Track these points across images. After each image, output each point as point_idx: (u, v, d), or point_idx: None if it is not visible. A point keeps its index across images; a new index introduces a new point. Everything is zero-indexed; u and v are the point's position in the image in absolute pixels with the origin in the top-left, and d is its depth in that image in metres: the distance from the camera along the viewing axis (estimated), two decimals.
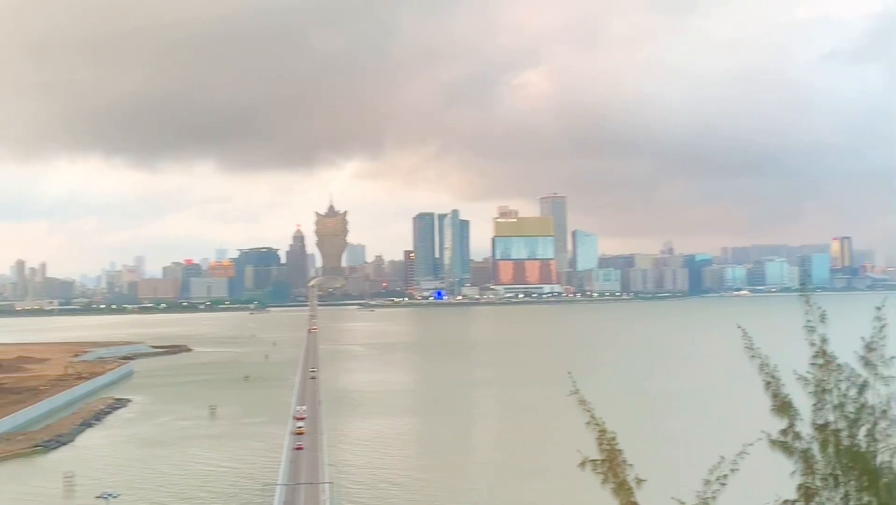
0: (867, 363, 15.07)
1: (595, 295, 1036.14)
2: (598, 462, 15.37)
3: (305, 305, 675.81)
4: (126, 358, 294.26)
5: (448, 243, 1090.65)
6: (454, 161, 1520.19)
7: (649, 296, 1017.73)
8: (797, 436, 15.06)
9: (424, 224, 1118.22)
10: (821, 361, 15.27)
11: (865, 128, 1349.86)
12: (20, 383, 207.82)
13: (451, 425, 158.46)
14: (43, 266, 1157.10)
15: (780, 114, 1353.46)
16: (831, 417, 14.93)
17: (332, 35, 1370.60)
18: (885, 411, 14.72)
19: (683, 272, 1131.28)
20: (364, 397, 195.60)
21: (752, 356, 16.11)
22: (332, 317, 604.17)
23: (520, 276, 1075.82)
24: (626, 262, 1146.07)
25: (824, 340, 15.46)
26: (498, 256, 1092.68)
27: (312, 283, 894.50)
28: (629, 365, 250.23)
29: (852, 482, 14.47)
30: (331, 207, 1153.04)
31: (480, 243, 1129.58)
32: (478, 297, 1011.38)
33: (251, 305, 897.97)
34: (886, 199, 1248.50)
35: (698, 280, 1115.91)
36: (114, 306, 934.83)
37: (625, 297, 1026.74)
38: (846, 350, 15.71)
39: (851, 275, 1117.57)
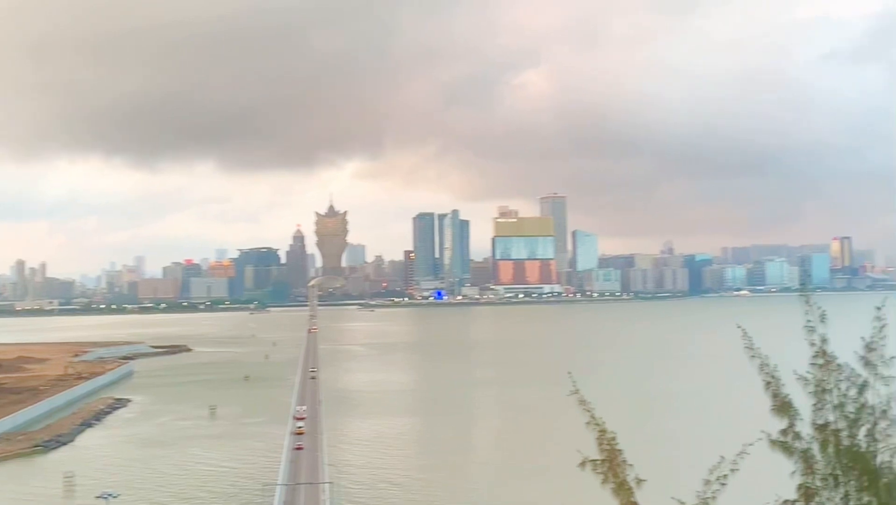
0: (867, 363, 15.07)
1: (595, 295, 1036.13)
2: (598, 462, 15.37)
3: (305, 305, 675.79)
4: (126, 358, 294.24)
5: (448, 243, 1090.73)
6: (454, 161, 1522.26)
7: (649, 296, 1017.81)
8: (797, 436, 15.07)
9: (424, 224, 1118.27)
10: (821, 361, 15.27)
11: (865, 128, 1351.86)
12: (20, 383, 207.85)
13: (451, 425, 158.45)
14: (43, 266, 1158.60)
15: (780, 114, 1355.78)
16: (831, 417, 14.93)
17: (331, 35, 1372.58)
18: (885, 411, 14.72)
19: (683, 272, 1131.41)
20: (364, 397, 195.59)
21: (752, 356, 16.11)
22: (332, 317, 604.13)
23: (520, 276, 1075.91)
24: (626, 262, 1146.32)
25: (824, 340, 15.47)
26: (498, 256, 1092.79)
27: (312, 283, 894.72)
28: (629, 365, 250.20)
29: (852, 482, 14.47)
30: (331, 207, 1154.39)
31: (480, 243, 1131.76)
32: (478, 297, 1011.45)
33: (251, 305, 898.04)
34: (886, 199, 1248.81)
35: (698, 280, 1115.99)
36: (114, 306, 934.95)
37: (625, 297, 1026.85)
38: (846, 350, 15.71)
39: (851, 275, 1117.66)
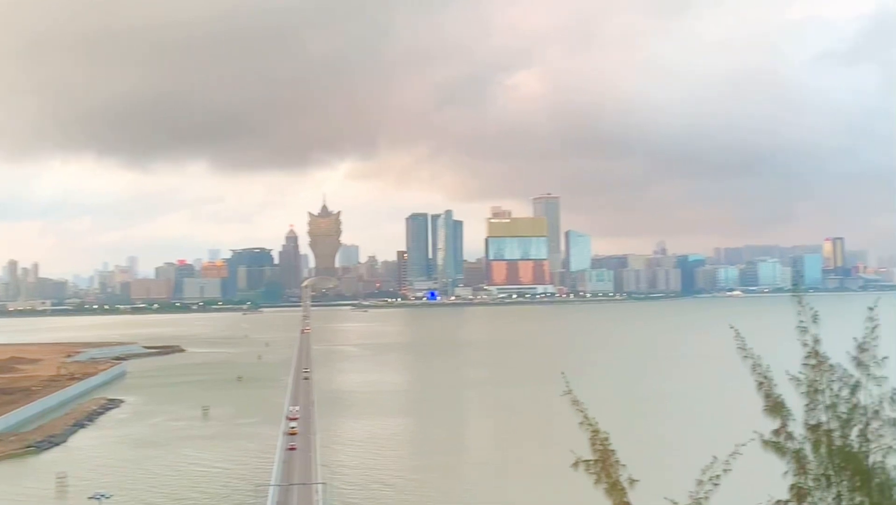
0: (859, 364, 15.12)
1: (588, 295, 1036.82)
2: (591, 462, 15.40)
3: (298, 306, 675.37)
4: (119, 358, 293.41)
5: (441, 244, 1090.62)
6: (447, 161, 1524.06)
7: (642, 296, 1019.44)
8: (790, 436, 15.11)
9: (418, 224, 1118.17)
10: (813, 362, 15.32)
11: (858, 128, 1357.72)
12: (12, 384, 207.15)
13: (445, 426, 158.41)
14: (35, 266, 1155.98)
15: (772, 114, 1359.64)
16: (824, 418, 14.98)
17: (325, 36, 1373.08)
18: (877, 412, 14.77)
19: (676, 273, 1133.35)
20: (357, 398, 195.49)
21: (745, 357, 16.15)
22: (325, 317, 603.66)
23: (513, 276, 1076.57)
24: (619, 262, 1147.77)
25: (817, 341, 15.52)
26: (491, 257, 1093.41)
27: (305, 283, 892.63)
28: (622, 365, 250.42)
29: (844, 482, 14.52)
30: (324, 208, 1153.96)
31: (474, 244, 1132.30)
32: (471, 297, 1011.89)
33: (244, 306, 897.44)
34: (879, 199, 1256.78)
35: (691, 280, 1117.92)
36: (106, 307, 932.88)
37: (618, 297, 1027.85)
38: (838, 351, 15.76)
39: (844, 275, 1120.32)
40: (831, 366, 15.22)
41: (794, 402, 15.44)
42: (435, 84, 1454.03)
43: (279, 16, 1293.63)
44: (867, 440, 14.69)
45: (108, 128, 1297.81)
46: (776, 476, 15.47)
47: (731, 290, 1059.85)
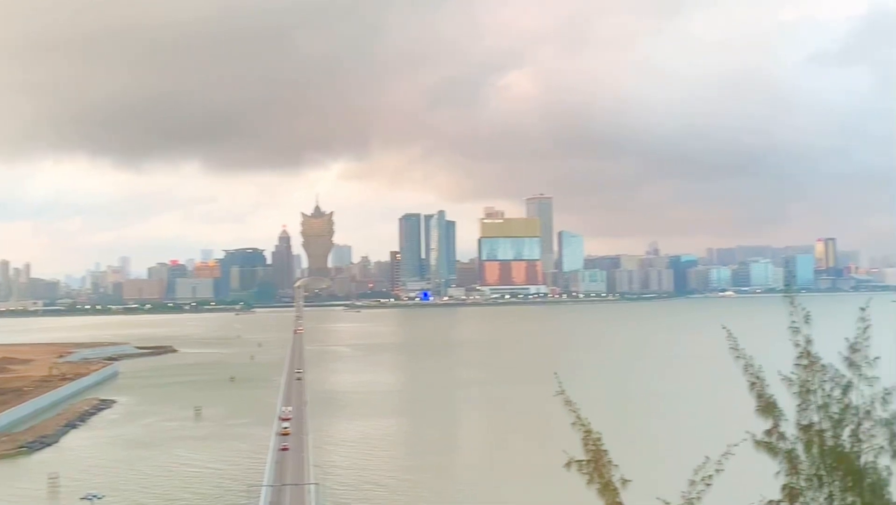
0: (851, 364, 15.17)
1: (581, 296, 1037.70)
2: (584, 462, 15.42)
3: (291, 306, 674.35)
4: (111, 359, 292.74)
5: (434, 244, 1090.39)
6: (440, 162, 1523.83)
7: (635, 297, 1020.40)
8: (782, 436, 15.15)
9: (410, 225, 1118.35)
10: (805, 362, 15.36)
11: (850, 129, 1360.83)
12: (4, 384, 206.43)
13: (437, 426, 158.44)
14: (27, 266, 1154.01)
15: (764, 115, 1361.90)
16: (816, 418, 15.01)
17: (317, 36, 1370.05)
18: (868, 412, 14.81)
19: (669, 273, 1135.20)
20: (350, 398, 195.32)
21: (737, 357, 16.19)
22: (318, 318, 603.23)
23: (506, 276, 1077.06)
24: (612, 262, 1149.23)
25: (809, 341, 15.55)
26: (484, 257, 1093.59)
27: (298, 283, 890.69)
28: (615, 366, 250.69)
29: (836, 482, 14.55)
30: (317, 208, 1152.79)
31: (466, 244, 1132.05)
32: (464, 297, 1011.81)
33: (237, 306, 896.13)
34: (871, 200, 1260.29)
35: (683, 281, 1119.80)
36: (98, 307, 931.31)
37: (610, 297, 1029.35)
38: (830, 351, 15.79)
39: (836, 276, 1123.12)
40: (823, 366, 15.26)
41: (787, 402, 15.47)
42: (428, 84, 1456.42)
43: (272, 16, 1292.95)
44: (859, 440, 14.73)
45: (102, 128, 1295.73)
46: (768, 476, 15.50)
47: (723, 290, 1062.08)
